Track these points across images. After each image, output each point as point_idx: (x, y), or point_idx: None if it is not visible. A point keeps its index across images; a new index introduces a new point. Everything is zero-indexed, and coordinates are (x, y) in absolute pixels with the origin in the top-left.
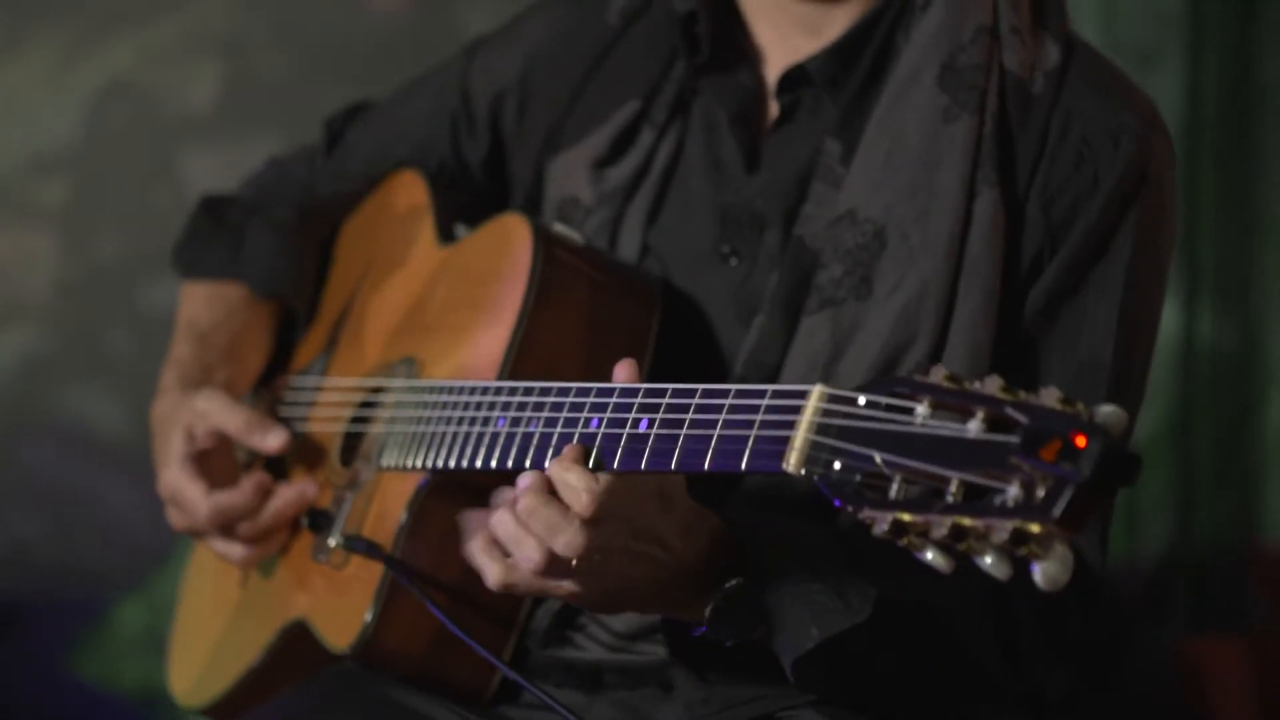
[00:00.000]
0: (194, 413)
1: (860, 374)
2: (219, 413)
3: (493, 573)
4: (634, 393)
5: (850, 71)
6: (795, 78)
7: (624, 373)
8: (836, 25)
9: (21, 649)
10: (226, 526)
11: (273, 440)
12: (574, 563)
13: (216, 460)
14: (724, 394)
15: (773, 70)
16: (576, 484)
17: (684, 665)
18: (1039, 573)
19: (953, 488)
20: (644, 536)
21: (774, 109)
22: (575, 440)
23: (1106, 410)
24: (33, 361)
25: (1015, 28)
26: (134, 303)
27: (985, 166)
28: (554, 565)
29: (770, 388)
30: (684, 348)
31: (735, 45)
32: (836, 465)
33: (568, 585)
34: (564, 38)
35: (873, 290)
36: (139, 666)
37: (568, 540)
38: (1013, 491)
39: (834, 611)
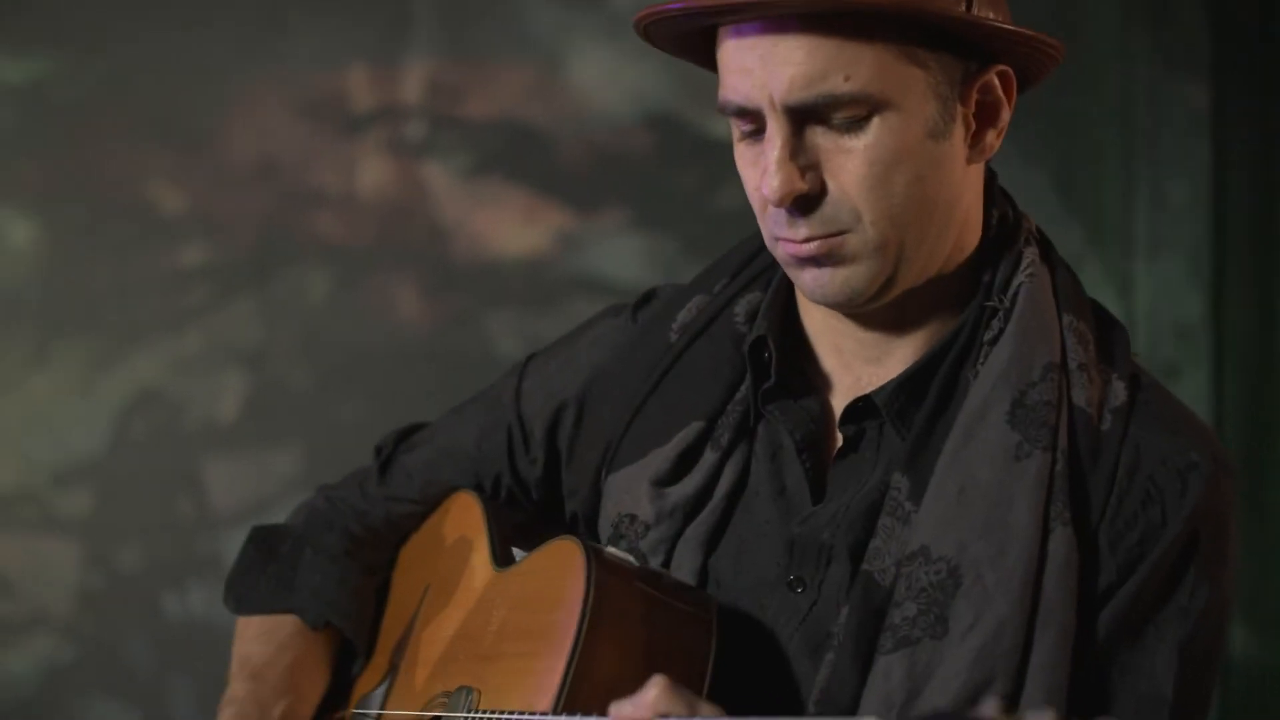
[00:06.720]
0: None
1: None
2: None
3: None
4: None
5: (917, 405)
6: (861, 409)
7: (652, 692)
8: (900, 355)
9: None
10: None
11: None
12: None
13: None
14: None
15: (836, 397)
16: None
17: None
18: None
19: None
20: None
21: (838, 437)
22: None
23: None
24: (54, 672)
25: (1083, 364)
26: (155, 613)
27: (1058, 503)
28: None
29: None
30: (751, 676)
31: (801, 371)
32: None
33: None
34: (624, 353)
35: (948, 629)
36: None
37: None
38: None
39: None
